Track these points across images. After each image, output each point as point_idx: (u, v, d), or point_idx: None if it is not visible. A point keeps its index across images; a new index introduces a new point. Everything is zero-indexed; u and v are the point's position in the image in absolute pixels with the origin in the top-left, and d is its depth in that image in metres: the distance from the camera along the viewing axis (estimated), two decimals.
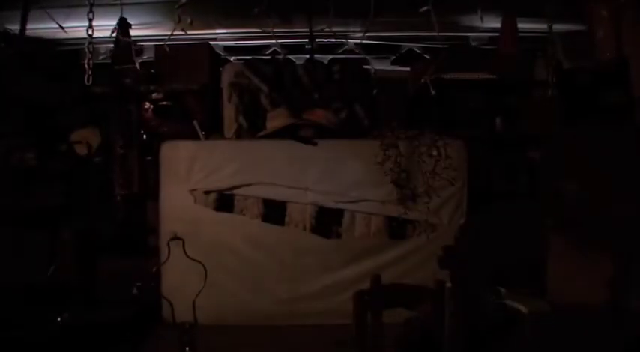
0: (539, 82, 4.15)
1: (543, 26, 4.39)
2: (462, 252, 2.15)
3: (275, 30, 4.09)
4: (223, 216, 3.65)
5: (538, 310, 2.62)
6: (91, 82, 2.54)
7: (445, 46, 4.81)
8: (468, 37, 5.09)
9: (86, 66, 2.54)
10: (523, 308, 2.60)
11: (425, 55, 5.29)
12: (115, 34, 3.35)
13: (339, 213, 3.65)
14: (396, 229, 3.64)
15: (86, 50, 2.57)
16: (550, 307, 2.69)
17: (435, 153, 3.49)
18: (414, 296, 2.04)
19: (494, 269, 2.66)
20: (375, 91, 3.83)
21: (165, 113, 4.24)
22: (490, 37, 4.99)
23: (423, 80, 2.66)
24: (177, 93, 4.25)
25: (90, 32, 2.59)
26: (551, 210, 3.26)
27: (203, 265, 3.40)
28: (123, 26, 4.16)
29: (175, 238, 3.38)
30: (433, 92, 2.61)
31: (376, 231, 3.65)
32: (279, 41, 4.55)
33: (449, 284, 2.29)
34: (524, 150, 4.08)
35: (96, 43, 4.36)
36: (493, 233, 3.32)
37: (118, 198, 4.04)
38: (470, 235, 2.88)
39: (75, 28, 4.01)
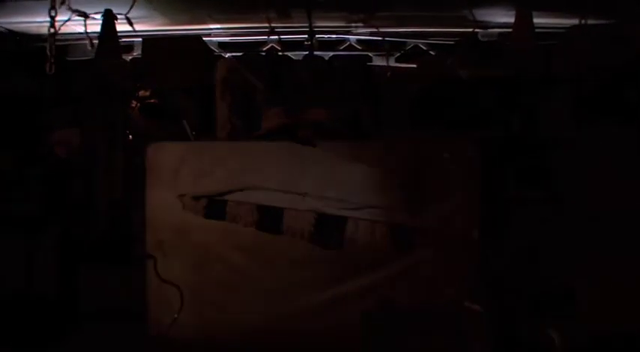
0: (559, 79, 3.98)
1: (560, 21, 4.23)
2: (495, 276, 1.88)
3: (273, 25, 3.94)
4: (214, 223, 3.51)
5: (572, 338, 2.37)
6: (53, 70, 2.31)
7: (452, 42, 4.65)
8: (476, 32, 4.92)
9: (48, 53, 2.30)
10: (557, 336, 2.35)
11: (430, 52, 5.14)
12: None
13: (341, 220, 3.48)
14: (403, 238, 3.45)
15: (47, 33, 2.32)
16: (585, 334, 2.44)
17: (445, 155, 3.37)
18: (430, 321, 1.75)
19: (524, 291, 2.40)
20: (387, 76, 3.65)
21: (153, 112, 4.09)
22: (500, 33, 4.84)
23: (449, 63, 2.43)
24: (166, 91, 4.10)
25: (52, 14, 2.34)
26: (582, 222, 3.01)
27: (179, 288, 3.33)
28: (108, 18, 3.96)
29: (148, 256, 3.29)
30: (463, 75, 2.39)
31: (381, 240, 3.46)
32: (278, 37, 4.39)
33: (467, 304, 2.02)
34: (542, 152, 3.90)
35: (82, 39, 4.23)
36: (521, 250, 3.07)
37: (101, 203, 3.89)
38: (499, 254, 2.61)
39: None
